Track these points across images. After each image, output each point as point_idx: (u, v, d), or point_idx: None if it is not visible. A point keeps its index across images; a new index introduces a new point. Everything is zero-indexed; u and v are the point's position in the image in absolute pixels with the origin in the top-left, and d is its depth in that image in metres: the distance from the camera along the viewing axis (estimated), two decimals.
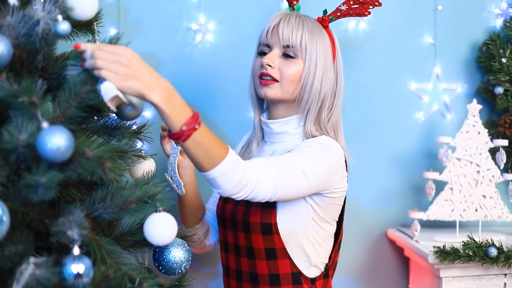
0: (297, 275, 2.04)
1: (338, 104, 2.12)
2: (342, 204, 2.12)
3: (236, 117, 2.69)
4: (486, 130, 2.68)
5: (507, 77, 2.78)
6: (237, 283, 2.14)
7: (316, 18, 2.11)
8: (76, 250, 1.37)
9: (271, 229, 2.00)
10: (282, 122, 2.09)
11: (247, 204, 2.04)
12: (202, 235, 2.28)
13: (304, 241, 2.03)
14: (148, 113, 2.59)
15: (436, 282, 2.56)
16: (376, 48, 2.82)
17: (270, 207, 2.00)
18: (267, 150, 2.15)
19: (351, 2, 2.16)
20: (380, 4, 2.16)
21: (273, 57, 2.03)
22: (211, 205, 2.35)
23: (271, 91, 2.04)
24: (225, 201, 2.16)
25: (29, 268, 1.29)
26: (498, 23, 2.88)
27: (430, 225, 2.80)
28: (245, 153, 2.23)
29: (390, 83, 2.84)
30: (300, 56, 2.02)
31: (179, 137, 1.63)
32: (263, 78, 2.04)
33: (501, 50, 2.78)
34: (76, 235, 1.38)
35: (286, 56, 2.03)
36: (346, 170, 2.08)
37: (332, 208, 2.06)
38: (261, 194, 1.82)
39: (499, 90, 2.77)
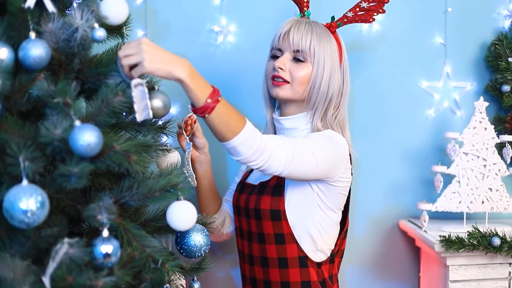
0: (303, 259, 2.19)
1: (345, 103, 2.26)
2: (347, 194, 2.26)
3: (255, 112, 2.82)
4: (493, 126, 2.77)
5: None
6: (250, 267, 2.31)
7: (325, 24, 2.26)
8: (105, 233, 1.52)
9: (279, 216, 2.16)
10: (292, 118, 2.24)
11: (259, 193, 2.20)
12: (219, 224, 2.44)
13: (311, 227, 2.18)
14: (173, 110, 2.75)
15: (444, 270, 2.67)
16: (389, 48, 2.94)
17: (278, 195, 2.16)
18: None
19: (357, 9, 2.30)
20: (384, 11, 2.30)
21: (284, 60, 2.18)
22: (229, 197, 2.50)
23: (282, 92, 2.20)
24: (240, 191, 2.33)
25: (64, 248, 1.45)
26: (507, 24, 2.98)
27: (440, 217, 2.92)
28: None
29: (402, 81, 2.96)
30: (309, 60, 2.17)
31: (204, 110, 1.80)
32: (275, 79, 2.20)
33: (508, 50, 2.88)
34: (105, 219, 1.53)
35: (296, 60, 2.18)
36: (351, 163, 2.22)
37: (337, 197, 2.20)
38: (275, 165, 1.96)
39: (506, 88, 2.88)
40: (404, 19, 2.94)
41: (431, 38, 2.97)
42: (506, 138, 2.78)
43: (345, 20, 2.31)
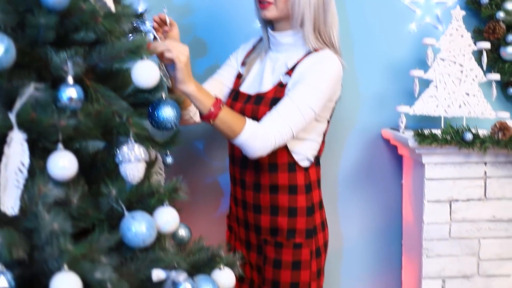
0: (292, 165, 2.36)
1: (334, 21, 2.39)
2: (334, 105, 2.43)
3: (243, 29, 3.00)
4: (469, 34, 2.87)
5: None
6: (241, 170, 2.45)
7: None
8: (70, 80, 1.65)
9: None
10: (286, 33, 2.40)
11: (256, 103, 2.37)
12: (192, 116, 2.51)
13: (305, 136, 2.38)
14: None
15: (421, 170, 2.79)
16: None
17: (276, 106, 2.29)
18: (272, 57, 2.45)
19: None
20: None
21: None
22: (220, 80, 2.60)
23: (269, 13, 2.36)
24: (234, 99, 2.46)
25: (30, 89, 1.58)
26: None
27: (420, 126, 2.99)
28: (253, 57, 2.54)
29: None
30: None
31: (209, 117, 2.13)
32: (260, 2, 2.36)
33: None
34: (71, 70, 1.67)
35: None
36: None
37: (327, 110, 2.40)
38: (282, 141, 2.23)
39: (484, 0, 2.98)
40: None
41: None
42: (482, 45, 2.87)
43: None
